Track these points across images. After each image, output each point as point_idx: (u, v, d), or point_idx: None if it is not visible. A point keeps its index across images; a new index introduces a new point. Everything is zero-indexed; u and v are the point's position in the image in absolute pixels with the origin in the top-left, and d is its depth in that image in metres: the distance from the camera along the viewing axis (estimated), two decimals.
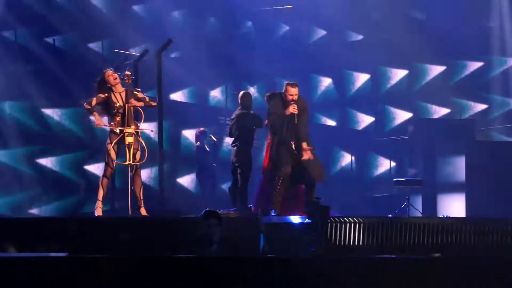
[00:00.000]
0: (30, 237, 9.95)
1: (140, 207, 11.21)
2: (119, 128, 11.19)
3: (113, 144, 11.17)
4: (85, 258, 8.79)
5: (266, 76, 17.43)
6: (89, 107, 11.24)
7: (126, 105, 11.23)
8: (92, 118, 11.69)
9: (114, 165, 11.25)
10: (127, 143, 11.18)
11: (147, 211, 11.23)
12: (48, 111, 16.52)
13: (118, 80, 11.31)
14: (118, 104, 11.21)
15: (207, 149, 15.38)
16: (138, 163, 11.27)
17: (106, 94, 11.25)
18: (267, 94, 12.31)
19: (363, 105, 17.53)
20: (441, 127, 15.59)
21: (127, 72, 11.43)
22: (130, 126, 11.21)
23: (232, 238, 9.52)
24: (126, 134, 11.17)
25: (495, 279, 8.11)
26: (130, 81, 11.37)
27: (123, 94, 11.31)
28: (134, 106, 11.26)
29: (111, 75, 11.32)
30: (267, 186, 11.90)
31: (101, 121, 11.26)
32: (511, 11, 16.47)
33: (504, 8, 16.50)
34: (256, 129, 12.51)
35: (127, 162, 11.19)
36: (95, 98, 11.27)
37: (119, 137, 11.19)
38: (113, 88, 11.29)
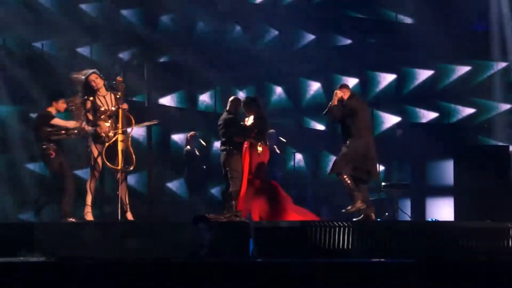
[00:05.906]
0: (19, 242, 9.93)
1: (126, 211, 11.10)
2: (114, 131, 10.94)
3: (105, 149, 10.98)
4: (76, 262, 8.79)
5: (255, 81, 17.43)
6: (83, 110, 10.94)
7: (120, 109, 11.05)
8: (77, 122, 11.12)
9: (101, 169, 11.06)
10: (120, 148, 10.99)
11: (135, 216, 11.17)
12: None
13: (101, 85, 11.07)
14: (103, 108, 11.03)
15: (197, 153, 15.31)
16: (128, 170, 11.14)
17: (92, 98, 11.01)
18: (244, 100, 12.35)
19: None
20: (429, 131, 15.57)
21: (119, 78, 11.19)
22: (123, 131, 11.02)
23: (222, 242, 9.53)
24: (120, 139, 10.99)
25: None
26: (123, 87, 11.14)
27: (108, 98, 11.10)
28: (124, 111, 11.07)
29: (94, 80, 11.06)
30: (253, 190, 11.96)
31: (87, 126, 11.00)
32: (501, 15, 16.52)
33: (495, 12, 16.54)
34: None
35: (119, 167, 11.02)
36: (89, 101, 10.99)
37: (111, 142, 10.97)
38: (97, 91, 11.04)
